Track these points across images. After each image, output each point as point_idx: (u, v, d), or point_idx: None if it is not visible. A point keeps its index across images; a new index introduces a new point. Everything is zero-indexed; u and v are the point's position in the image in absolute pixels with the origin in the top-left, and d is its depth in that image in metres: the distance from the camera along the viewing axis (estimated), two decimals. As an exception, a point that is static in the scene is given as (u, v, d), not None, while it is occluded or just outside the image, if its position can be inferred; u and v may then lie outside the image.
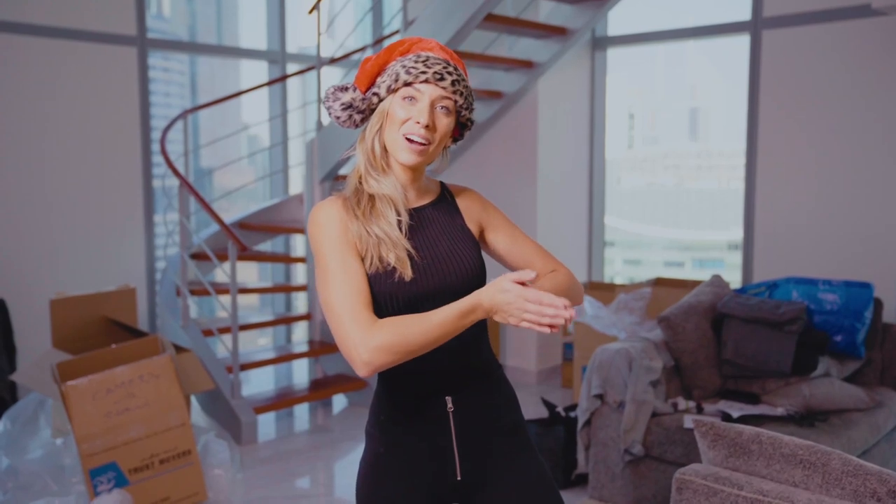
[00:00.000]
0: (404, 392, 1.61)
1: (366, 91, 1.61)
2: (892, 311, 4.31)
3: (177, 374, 3.51)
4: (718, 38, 5.12)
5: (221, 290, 4.80)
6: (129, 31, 5.09)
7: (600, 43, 5.55)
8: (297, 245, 6.20)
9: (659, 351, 3.51)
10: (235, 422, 4.35)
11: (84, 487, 3.32)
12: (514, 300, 1.38)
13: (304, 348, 5.14)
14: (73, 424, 3.27)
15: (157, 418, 3.41)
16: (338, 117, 1.61)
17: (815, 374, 3.48)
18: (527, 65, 4.99)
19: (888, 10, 3.88)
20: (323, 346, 5.05)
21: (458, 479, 1.62)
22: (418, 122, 1.54)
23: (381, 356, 1.43)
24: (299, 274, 6.26)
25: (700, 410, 3.33)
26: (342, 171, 4.96)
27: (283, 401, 4.70)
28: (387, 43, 5.23)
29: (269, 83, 5.65)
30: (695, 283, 4.74)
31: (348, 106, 1.59)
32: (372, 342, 1.42)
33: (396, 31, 5.06)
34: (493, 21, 4.47)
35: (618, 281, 6.05)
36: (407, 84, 1.55)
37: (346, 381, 4.92)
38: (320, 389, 4.87)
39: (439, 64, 1.56)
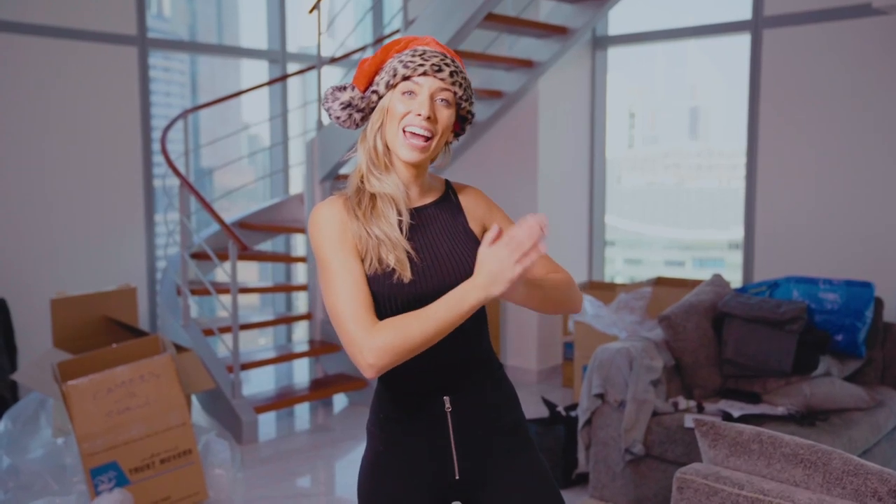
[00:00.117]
0: (403, 389, 1.61)
1: (364, 90, 1.60)
2: (892, 311, 4.30)
3: (177, 373, 3.51)
4: (719, 37, 5.11)
5: (222, 289, 4.80)
6: (129, 31, 5.09)
7: (601, 42, 5.55)
8: (298, 245, 6.20)
9: (660, 350, 3.51)
10: (236, 421, 4.35)
11: (85, 487, 3.32)
12: (501, 257, 1.35)
13: (304, 348, 5.13)
14: (74, 424, 3.27)
15: (158, 418, 3.41)
16: (338, 117, 1.60)
17: (815, 373, 3.48)
18: (527, 64, 4.99)
19: (889, 9, 3.87)
20: (323, 345, 5.05)
21: (457, 478, 1.62)
22: (419, 115, 1.53)
23: (384, 357, 1.43)
24: (300, 273, 6.25)
25: (701, 410, 3.33)
26: (342, 171, 4.96)
27: (283, 400, 4.71)
28: (387, 42, 5.22)
29: (270, 83, 5.65)
30: (695, 283, 4.74)
31: (347, 105, 1.59)
32: (374, 344, 1.42)
33: (397, 31, 5.05)
34: (494, 20, 4.47)
35: (618, 280, 6.05)
36: (405, 78, 1.55)
37: (346, 380, 4.93)
38: (321, 389, 4.87)
39: (436, 56, 1.56)
